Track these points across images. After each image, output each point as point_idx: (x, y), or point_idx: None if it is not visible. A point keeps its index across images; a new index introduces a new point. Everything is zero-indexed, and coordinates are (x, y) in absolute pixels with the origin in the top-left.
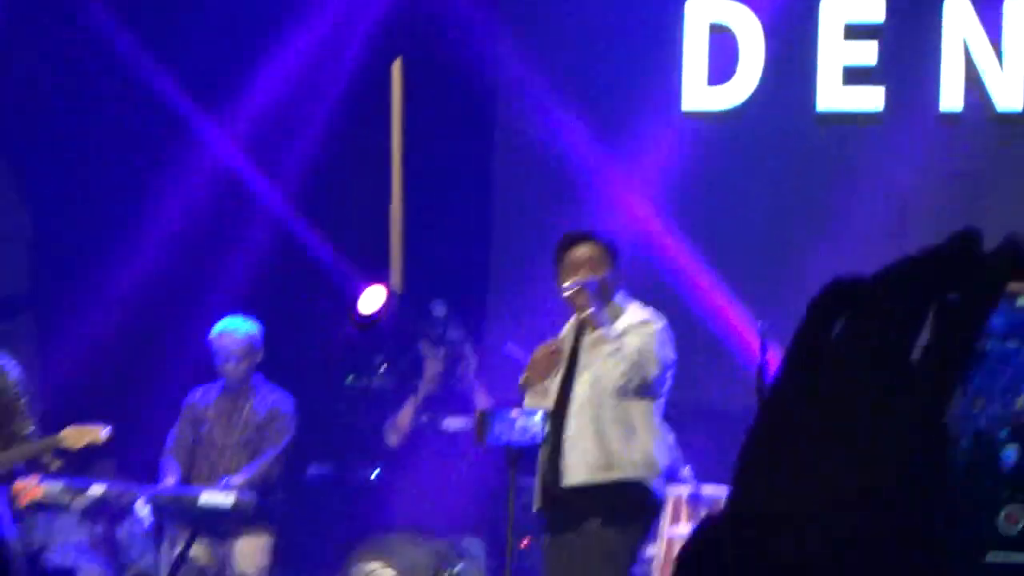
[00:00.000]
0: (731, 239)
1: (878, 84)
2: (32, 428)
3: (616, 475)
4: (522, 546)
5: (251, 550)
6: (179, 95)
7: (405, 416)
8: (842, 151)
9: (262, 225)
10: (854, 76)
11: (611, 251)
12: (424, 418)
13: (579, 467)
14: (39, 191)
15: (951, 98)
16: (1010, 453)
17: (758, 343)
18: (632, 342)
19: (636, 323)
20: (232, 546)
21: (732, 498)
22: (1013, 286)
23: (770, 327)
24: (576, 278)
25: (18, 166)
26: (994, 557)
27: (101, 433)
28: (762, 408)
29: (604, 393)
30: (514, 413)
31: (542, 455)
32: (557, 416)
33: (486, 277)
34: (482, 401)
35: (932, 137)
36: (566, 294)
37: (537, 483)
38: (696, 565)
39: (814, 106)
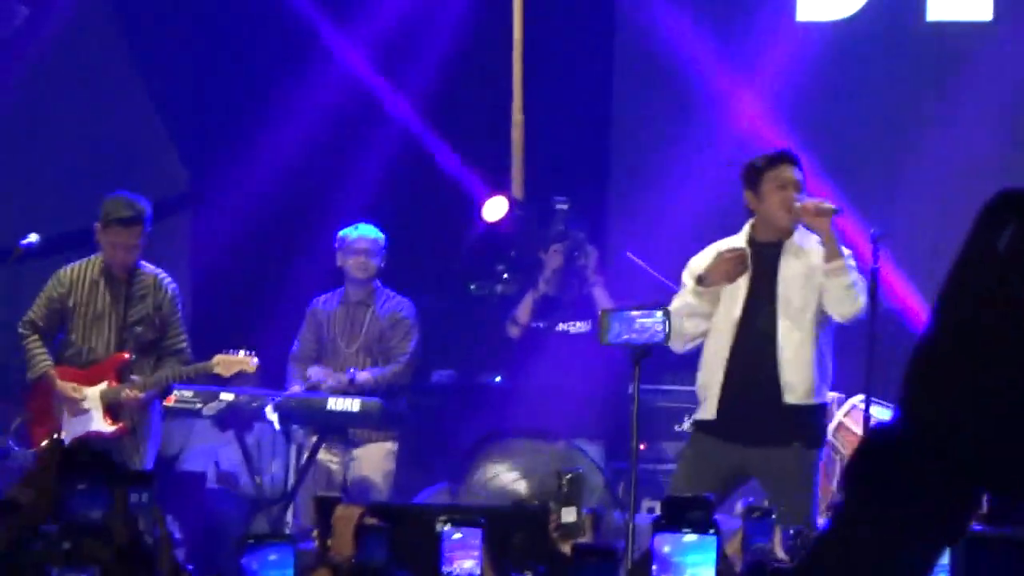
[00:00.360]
0: (844, 145)
1: None
2: (185, 343)
3: (823, 398)
4: (641, 448)
5: (376, 455)
6: (310, 7)
7: (525, 309)
8: (953, 58)
9: (389, 135)
10: None
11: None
12: (544, 323)
13: (798, 388)
14: (184, 102)
15: None
16: None
17: (871, 248)
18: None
19: (846, 255)
20: (358, 451)
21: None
22: None
23: (883, 232)
24: (820, 201)
25: (164, 80)
26: None
27: (251, 362)
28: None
29: (828, 319)
30: (635, 312)
31: (727, 363)
32: (751, 329)
33: (606, 185)
34: (602, 298)
35: None
36: (812, 209)
37: (715, 392)
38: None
39: (925, 14)
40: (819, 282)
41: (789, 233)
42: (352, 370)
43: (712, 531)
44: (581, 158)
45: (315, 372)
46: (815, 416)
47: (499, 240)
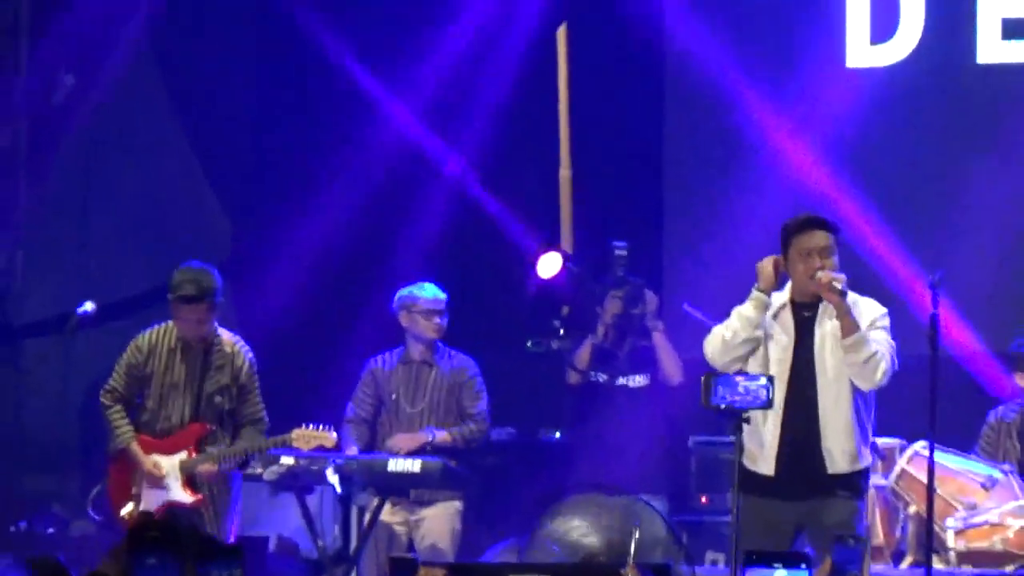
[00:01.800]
0: (898, 191)
1: None
2: (263, 413)
3: (864, 462)
4: (703, 502)
5: (443, 515)
6: (360, 69)
7: (584, 355)
8: (1005, 100)
9: (440, 193)
10: (1013, 29)
11: (839, 239)
12: (603, 377)
13: (839, 458)
14: (234, 166)
15: None
16: None
17: (930, 293)
18: (881, 338)
19: (878, 317)
20: (422, 512)
21: None
22: None
23: (941, 277)
24: (837, 275)
25: (213, 145)
26: None
27: (331, 437)
28: None
29: (856, 389)
30: (738, 377)
31: (781, 420)
32: (795, 392)
33: (660, 235)
34: (663, 344)
35: None
36: (825, 285)
37: (770, 448)
38: None
39: (975, 57)
40: None
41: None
42: (431, 429)
43: (803, 565)
44: (634, 208)
45: (395, 441)
46: (857, 477)
47: (554, 296)
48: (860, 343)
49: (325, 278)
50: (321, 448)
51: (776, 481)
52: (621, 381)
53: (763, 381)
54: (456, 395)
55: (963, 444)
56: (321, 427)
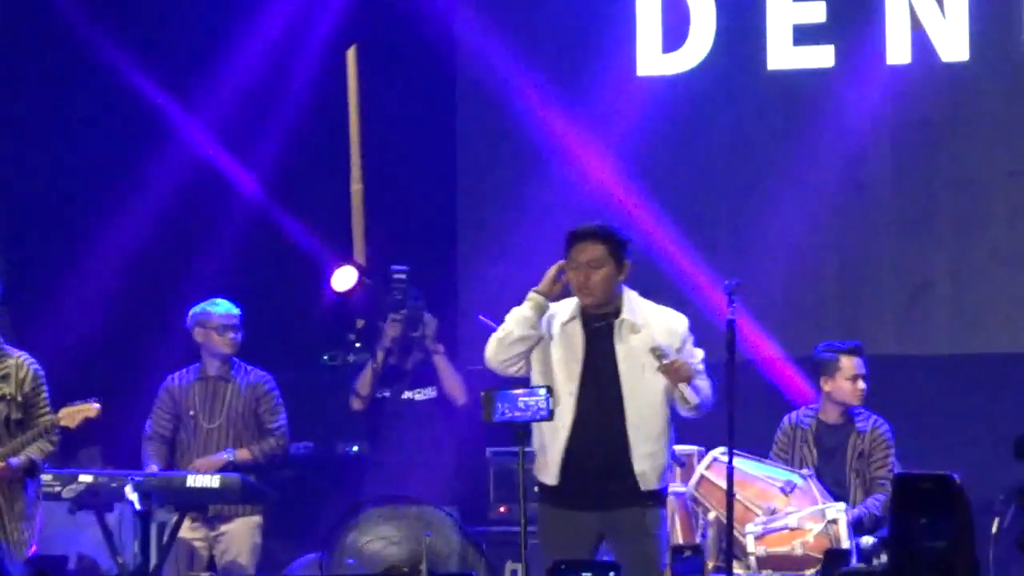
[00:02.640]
0: (692, 197)
1: (827, 43)
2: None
3: (670, 476)
4: (500, 511)
5: (242, 530)
6: (152, 87)
7: (364, 381)
8: (796, 108)
9: (235, 211)
10: (803, 35)
11: (617, 248)
12: (389, 392)
13: (651, 476)
14: (14, 183)
15: (898, 51)
16: None
17: (726, 299)
18: (699, 357)
19: (685, 331)
20: (222, 528)
21: None
22: None
23: (738, 284)
24: (686, 370)
25: (3, 164)
26: None
27: (94, 407)
28: None
29: (667, 406)
30: (518, 390)
31: (569, 433)
32: (595, 410)
33: (454, 248)
34: (444, 367)
35: (882, 90)
36: (674, 375)
37: (555, 459)
38: None
39: (766, 64)
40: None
41: (615, 306)
42: (230, 450)
43: (612, 574)
44: (428, 221)
45: (195, 467)
46: (662, 489)
47: (349, 309)
48: (699, 403)
49: (121, 297)
50: (87, 420)
51: (565, 491)
52: (407, 395)
53: (542, 393)
54: (254, 410)
55: (761, 450)
56: (85, 401)
